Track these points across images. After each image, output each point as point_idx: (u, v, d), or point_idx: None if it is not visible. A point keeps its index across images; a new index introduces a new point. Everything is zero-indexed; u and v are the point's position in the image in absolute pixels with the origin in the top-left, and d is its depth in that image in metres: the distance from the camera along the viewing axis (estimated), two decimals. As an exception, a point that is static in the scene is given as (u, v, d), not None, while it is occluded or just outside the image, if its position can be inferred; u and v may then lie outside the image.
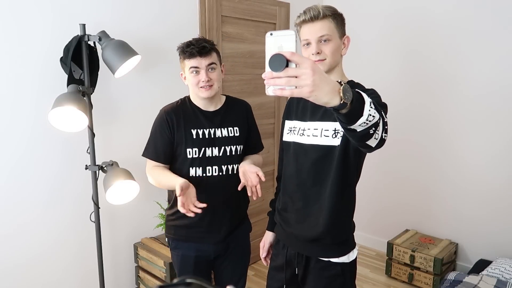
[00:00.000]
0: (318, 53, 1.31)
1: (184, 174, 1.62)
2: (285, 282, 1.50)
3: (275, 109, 3.21)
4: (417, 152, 3.11)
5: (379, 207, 3.37)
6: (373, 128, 0.98)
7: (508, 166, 2.70)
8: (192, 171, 1.63)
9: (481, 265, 2.65)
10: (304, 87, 0.78)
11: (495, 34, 2.64)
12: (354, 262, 1.45)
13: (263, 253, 1.66)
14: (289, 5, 3.19)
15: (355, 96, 0.90)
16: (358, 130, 0.97)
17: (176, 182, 1.46)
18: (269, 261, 1.67)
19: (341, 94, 0.85)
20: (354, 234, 1.48)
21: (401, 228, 3.22)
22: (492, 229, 2.81)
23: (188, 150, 1.61)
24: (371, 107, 0.94)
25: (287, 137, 1.50)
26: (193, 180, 1.61)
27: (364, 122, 0.93)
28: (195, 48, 1.56)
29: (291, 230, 1.46)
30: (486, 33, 2.67)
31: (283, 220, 1.51)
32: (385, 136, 1.07)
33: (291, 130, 1.48)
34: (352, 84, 1.40)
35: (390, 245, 2.96)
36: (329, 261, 1.41)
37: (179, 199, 1.42)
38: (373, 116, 0.95)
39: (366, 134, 0.98)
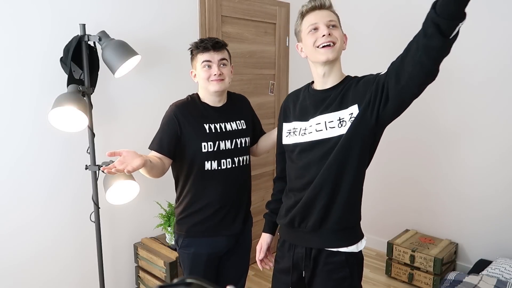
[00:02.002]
0: (329, 34, 1.30)
1: (199, 167, 1.66)
2: (292, 285, 1.47)
3: (275, 109, 3.22)
4: (417, 153, 3.11)
5: (379, 207, 3.37)
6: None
7: (508, 166, 2.70)
8: (207, 165, 1.66)
9: (481, 265, 2.65)
10: None
11: (493, 31, 2.64)
12: (361, 261, 1.44)
13: (260, 255, 1.62)
14: (289, 5, 3.19)
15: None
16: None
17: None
18: (265, 265, 1.64)
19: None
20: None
21: (401, 228, 3.22)
22: (492, 229, 2.81)
23: (203, 144, 1.64)
24: None
25: (286, 140, 1.48)
26: (209, 173, 1.66)
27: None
28: (209, 42, 1.63)
29: (302, 227, 1.42)
30: (484, 31, 2.67)
31: (292, 219, 1.44)
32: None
33: (290, 132, 1.46)
34: (350, 79, 1.39)
35: (390, 245, 2.96)
36: (337, 262, 1.37)
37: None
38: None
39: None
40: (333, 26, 1.33)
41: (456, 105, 2.87)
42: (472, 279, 2.32)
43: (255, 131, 1.88)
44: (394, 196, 3.28)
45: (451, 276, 2.43)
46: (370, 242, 3.42)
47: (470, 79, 2.78)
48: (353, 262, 1.40)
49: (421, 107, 3.03)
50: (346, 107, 1.31)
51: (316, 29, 1.33)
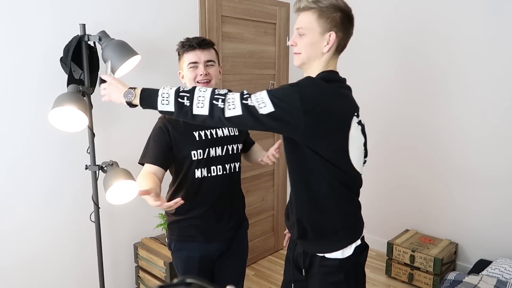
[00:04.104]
0: (292, 45, 1.33)
1: (189, 175, 1.63)
2: (293, 278, 1.50)
3: (275, 109, 3.21)
4: (417, 153, 3.11)
5: (379, 207, 3.37)
6: (179, 100, 1.20)
7: (508, 166, 2.70)
8: (197, 173, 1.63)
9: (481, 265, 2.65)
10: (105, 96, 1.35)
11: (495, 36, 2.64)
12: (359, 266, 1.41)
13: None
14: (289, 5, 3.19)
15: (148, 90, 1.27)
16: (160, 103, 1.23)
17: (147, 186, 1.45)
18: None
19: (125, 98, 1.27)
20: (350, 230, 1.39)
21: (401, 228, 3.22)
22: (492, 229, 2.81)
23: (192, 152, 1.61)
24: (166, 89, 1.24)
25: None
26: (199, 180, 1.64)
27: (161, 102, 1.23)
28: (195, 41, 1.60)
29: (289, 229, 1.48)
30: (486, 35, 2.67)
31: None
32: (198, 102, 1.20)
33: None
34: (307, 80, 1.30)
35: (390, 245, 2.96)
36: (331, 265, 1.36)
37: (153, 199, 1.38)
38: (167, 94, 1.22)
39: (175, 107, 1.21)
40: (301, 34, 1.32)
41: (455, 108, 2.87)
42: (472, 279, 2.32)
43: (247, 138, 1.86)
44: (394, 196, 3.28)
45: (451, 276, 2.43)
46: (370, 242, 3.39)
47: (467, 82, 2.78)
48: (348, 267, 1.36)
49: (420, 111, 3.03)
50: None
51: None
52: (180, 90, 1.22)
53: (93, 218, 2.03)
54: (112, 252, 2.33)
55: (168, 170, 1.68)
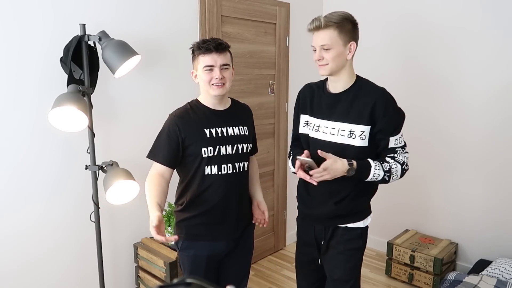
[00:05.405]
0: (319, 59, 1.55)
1: (199, 172, 1.64)
2: (317, 255, 1.73)
3: (275, 109, 3.22)
4: (417, 153, 3.10)
5: (379, 207, 3.35)
6: (384, 178, 1.55)
7: (508, 166, 2.70)
8: (207, 170, 1.64)
9: (481, 265, 2.65)
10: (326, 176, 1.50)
11: (496, 40, 2.64)
12: (366, 233, 1.74)
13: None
14: (289, 5, 3.19)
15: (360, 169, 1.51)
16: (370, 180, 1.55)
17: (153, 213, 1.47)
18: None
19: (347, 174, 1.49)
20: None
21: (401, 228, 3.22)
22: (492, 229, 2.81)
23: (203, 149, 1.62)
24: (376, 170, 1.52)
25: (303, 130, 1.70)
26: (210, 178, 1.65)
27: (371, 179, 1.54)
28: (212, 44, 1.59)
29: (314, 211, 1.69)
30: (488, 39, 2.68)
31: (305, 203, 1.74)
32: (394, 176, 1.59)
33: (306, 124, 1.68)
34: (360, 84, 1.61)
35: (390, 245, 2.96)
36: (353, 234, 1.65)
37: (154, 231, 1.41)
38: (378, 175, 1.53)
39: (379, 182, 1.58)
40: (326, 49, 1.52)
41: (456, 107, 2.87)
42: (472, 279, 2.32)
43: (254, 142, 1.87)
44: (394, 196, 3.28)
45: (451, 276, 2.43)
46: (370, 242, 3.40)
47: (469, 83, 2.78)
48: (365, 236, 1.72)
49: (421, 110, 3.04)
50: (360, 124, 1.55)
51: (315, 50, 1.56)
52: (386, 172, 1.53)
53: (93, 218, 2.04)
54: (112, 252, 2.33)
55: (177, 168, 1.71)
